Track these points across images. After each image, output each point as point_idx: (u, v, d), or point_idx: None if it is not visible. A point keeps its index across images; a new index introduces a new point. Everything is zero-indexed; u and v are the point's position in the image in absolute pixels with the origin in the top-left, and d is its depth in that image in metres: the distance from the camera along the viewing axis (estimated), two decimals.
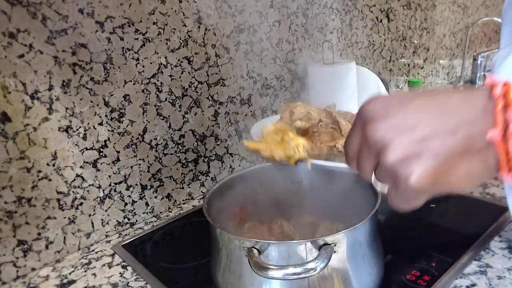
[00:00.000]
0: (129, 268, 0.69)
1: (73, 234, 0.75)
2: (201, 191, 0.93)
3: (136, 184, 0.82)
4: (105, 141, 0.76)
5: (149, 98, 0.80)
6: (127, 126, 0.78)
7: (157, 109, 0.82)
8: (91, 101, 0.73)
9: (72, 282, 0.67)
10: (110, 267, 0.70)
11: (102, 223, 0.78)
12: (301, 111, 0.57)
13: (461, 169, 0.27)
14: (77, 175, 0.73)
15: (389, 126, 0.28)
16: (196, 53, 0.85)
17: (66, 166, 0.72)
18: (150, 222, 0.84)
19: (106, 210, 0.78)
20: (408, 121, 0.28)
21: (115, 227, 0.81)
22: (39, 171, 0.69)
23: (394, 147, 0.28)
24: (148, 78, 0.79)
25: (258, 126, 0.70)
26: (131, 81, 0.77)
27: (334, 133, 0.55)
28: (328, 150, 0.52)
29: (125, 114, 0.77)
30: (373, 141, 0.29)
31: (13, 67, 0.63)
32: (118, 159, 0.78)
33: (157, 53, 0.79)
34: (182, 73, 0.84)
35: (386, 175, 0.30)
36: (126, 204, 0.81)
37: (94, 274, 0.68)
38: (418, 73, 1.55)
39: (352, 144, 0.32)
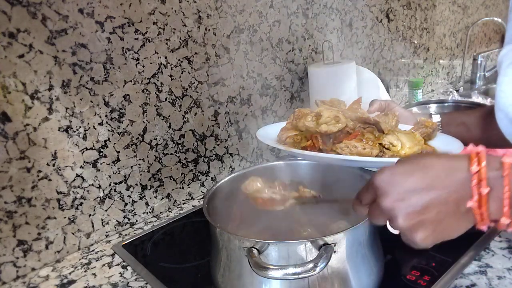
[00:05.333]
0: (129, 268, 0.69)
1: (73, 234, 0.75)
2: (201, 191, 0.93)
3: (136, 184, 0.82)
4: (105, 141, 0.76)
5: (149, 98, 0.80)
6: (127, 126, 0.78)
7: (157, 109, 0.82)
8: (91, 101, 0.73)
9: (72, 282, 0.67)
10: (110, 267, 0.70)
11: (102, 223, 0.78)
12: (329, 114, 0.58)
13: (452, 227, 0.37)
14: (77, 175, 0.73)
15: (394, 199, 0.38)
16: (196, 53, 0.85)
17: (66, 166, 0.72)
18: (150, 222, 0.84)
19: (106, 210, 0.78)
20: (405, 194, 0.37)
21: (115, 227, 0.81)
22: (39, 171, 0.69)
23: (401, 218, 0.37)
24: (148, 78, 0.79)
25: (266, 129, 0.70)
26: (131, 81, 0.77)
27: (374, 132, 0.58)
28: (380, 148, 0.55)
29: (125, 114, 0.77)
30: (385, 210, 0.39)
31: (13, 67, 0.63)
32: (118, 159, 0.78)
33: (157, 53, 0.79)
34: (182, 73, 0.84)
35: (399, 232, 0.39)
36: (126, 204, 0.81)
37: (94, 274, 0.68)
38: (418, 73, 1.55)
39: (366, 199, 0.43)
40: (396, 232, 0.40)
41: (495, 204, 0.35)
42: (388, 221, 0.40)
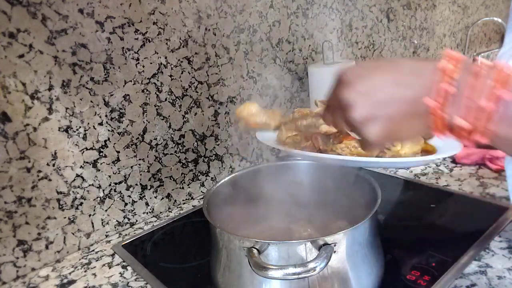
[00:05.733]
0: (129, 268, 0.69)
1: (73, 234, 0.75)
2: (201, 191, 0.93)
3: (136, 184, 0.82)
4: (105, 141, 0.76)
5: (149, 98, 0.80)
6: (127, 126, 0.78)
7: (157, 109, 0.82)
8: (91, 101, 0.73)
9: (72, 282, 0.67)
10: (110, 267, 0.70)
11: (102, 223, 0.78)
12: None
13: (407, 128, 0.35)
14: (77, 175, 0.73)
15: (356, 91, 0.36)
16: (196, 53, 0.85)
17: (66, 166, 0.72)
18: (150, 222, 0.84)
19: (106, 210, 0.78)
20: (370, 88, 0.35)
21: (115, 227, 0.81)
22: (39, 171, 0.69)
23: (357, 109, 0.36)
24: (148, 78, 0.79)
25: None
26: (131, 81, 0.77)
27: None
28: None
29: (125, 114, 0.77)
30: (343, 101, 0.37)
31: (13, 67, 0.63)
32: (118, 159, 0.78)
33: (157, 53, 0.79)
34: (182, 73, 0.84)
35: (352, 128, 0.38)
36: (126, 204, 0.81)
37: (94, 274, 0.68)
38: None
39: (330, 100, 0.41)
40: (356, 136, 0.39)
41: (457, 107, 0.32)
42: (344, 116, 0.38)
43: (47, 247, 0.72)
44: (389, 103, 0.35)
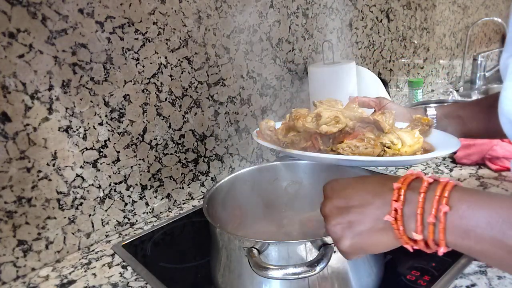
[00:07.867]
0: (129, 268, 0.69)
1: (73, 234, 0.75)
2: (201, 191, 0.93)
3: (136, 184, 0.82)
4: (105, 141, 0.76)
5: (149, 98, 0.80)
6: (127, 126, 0.78)
7: (157, 109, 0.82)
8: (91, 101, 0.73)
9: (72, 282, 0.67)
10: (110, 267, 0.70)
11: (102, 223, 0.78)
12: (329, 115, 0.58)
13: (373, 241, 0.40)
14: (77, 175, 0.73)
15: (332, 206, 0.43)
16: (196, 53, 0.85)
17: (66, 166, 0.72)
18: (150, 222, 0.84)
19: (106, 210, 0.78)
20: (340, 210, 0.41)
21: (115, 227, 0.81)
22: (39, 171, 0.69)
23: (331, 224, 0.42)
24: (148, 78, 0.79)
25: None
26: (131, 81, 0.77)
27: (374, 131, 0.58)
28: (381, 147, 0.55)
29: (125, 114, 0.77)
30: (322, 214, 0.44)
31: (13, 67, 0.63)
32: (118, 159, 0.78)
33: (157, 53, 0.79)
34: (182, 73, 0.84)
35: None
36: (126, 204, 0.81)
37: (94, 274, 0.68)
38: (418, 73, 1.55)
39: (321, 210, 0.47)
40: None
41: (409, 220, 0.36)
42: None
43: (47, 247, 0.72)
44: (353, 222, 0.40)
